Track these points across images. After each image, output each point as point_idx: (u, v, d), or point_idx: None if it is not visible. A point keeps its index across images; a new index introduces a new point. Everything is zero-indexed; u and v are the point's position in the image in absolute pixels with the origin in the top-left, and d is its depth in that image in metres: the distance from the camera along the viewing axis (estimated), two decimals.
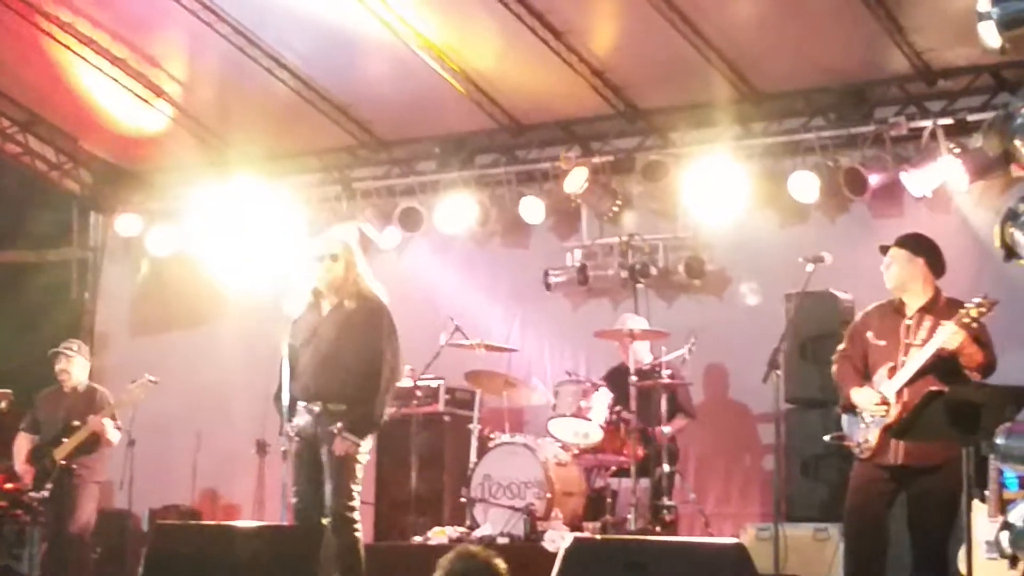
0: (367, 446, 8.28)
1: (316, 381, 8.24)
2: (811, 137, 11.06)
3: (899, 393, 7.69)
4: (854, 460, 8.01)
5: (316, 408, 8.23)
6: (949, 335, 7.53)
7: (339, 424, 8.08)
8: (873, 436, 7.78)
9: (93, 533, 11.07)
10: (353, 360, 8.18)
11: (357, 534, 8.20)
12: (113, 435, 10.92)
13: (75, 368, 11.08)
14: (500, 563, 5.15)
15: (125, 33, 12.08)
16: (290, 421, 8.29)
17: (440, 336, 10.93)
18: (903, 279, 7.92)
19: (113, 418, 10.93)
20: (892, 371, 7.75)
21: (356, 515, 8.20)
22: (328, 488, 8.16)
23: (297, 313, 8.39)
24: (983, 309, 7.49)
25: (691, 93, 11.34)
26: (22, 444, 11.01)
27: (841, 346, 8.18)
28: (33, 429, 11.05)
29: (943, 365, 7.60)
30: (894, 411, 7.67)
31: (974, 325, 7.51)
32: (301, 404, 8.30)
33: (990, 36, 5.13)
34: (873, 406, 7.76)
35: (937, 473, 7.58)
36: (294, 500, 8.35)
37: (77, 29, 11.99)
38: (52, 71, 12.58)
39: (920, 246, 7.98)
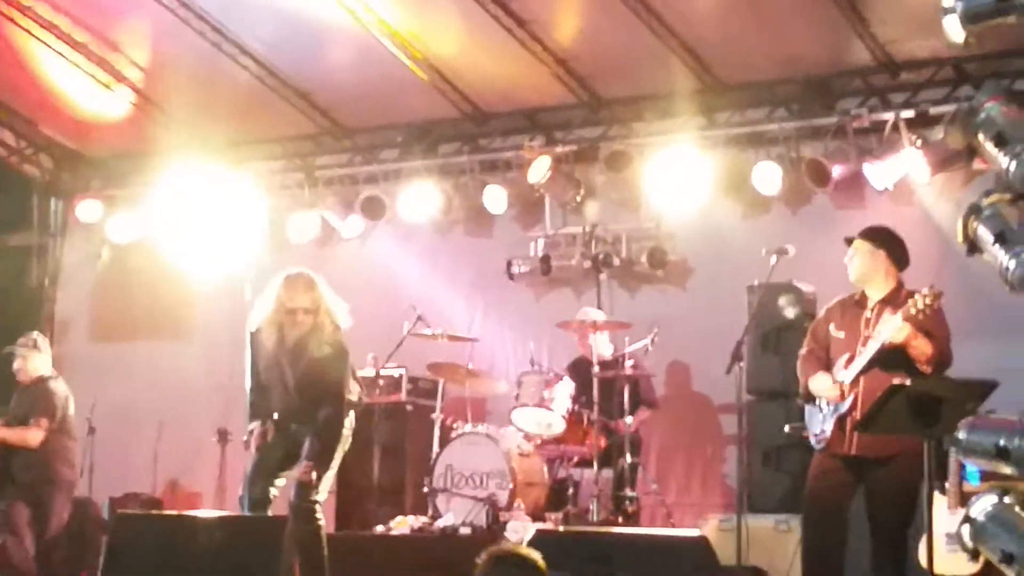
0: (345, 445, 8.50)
1: (289, 413, 8.45)
2: (774, 128, 11.09)
3: (854, 383, 7.70)
4: (814, 452, 8.05)
5: (293, 427, 8.46)
6: (894, 328, 7.55)
7: (305, 460, 8.26)
8: (828, 426, 7.81)
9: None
10: (318, 400, 8.36)
11: (319, 523, 8.26)
12: (28, 438, 10.42)
13: (29, 364, 10.73)
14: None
15: (86, 18, 11.99)
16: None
17: (403, 325, 10.90)
18: (865, 271, 7.94)
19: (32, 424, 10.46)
20: (849, 362, 7.78)
21: (319, 507, 8.28)
22: (294, 476, 8.31)
23: (255, 324, 8.49)
24: (928, 300, 7.49)
25: (655, 83, 11.35)
26: None
27: (805, 343, 8.19)
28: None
29: (894, 357, 7.60)
30: (848, 400, 7.71)
31: (919, 317, 7.51)
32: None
33: (954, 30, 5.14)
34: (827, 391, 7.80)
35: (891, 465, 7.60)
36: (247, 487, 8.40)
37: (38, 13, 11.89)
38: (12, 55, 12.47)
39: (883, 238, 8.00)
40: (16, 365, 10.72)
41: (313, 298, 8.36)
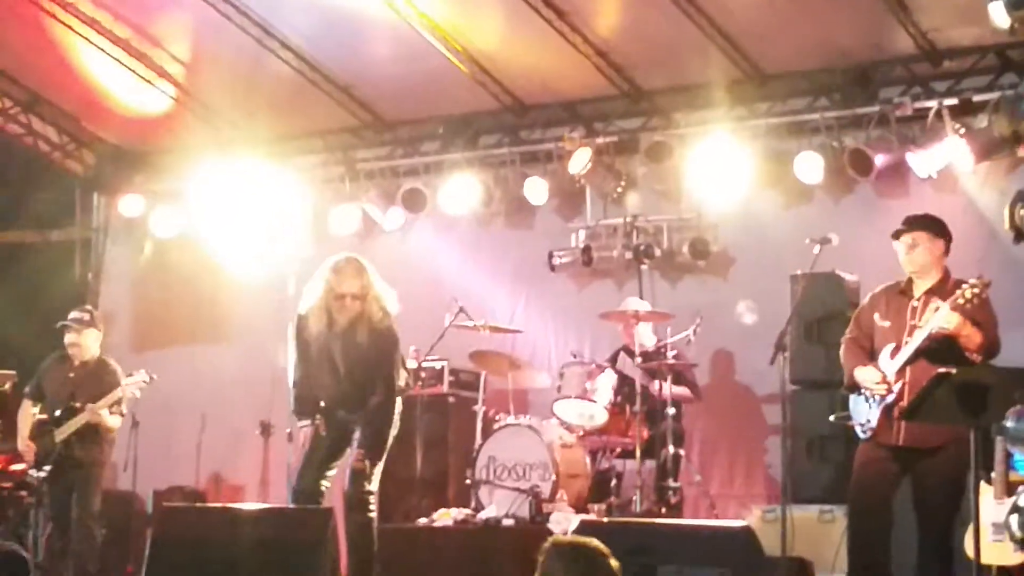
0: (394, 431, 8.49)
1: (337, 399, 8.45)
2: (816, 118, 11.03)
3: (900, 372, 7.68)
4: (859, 441, 8.01)
5: (341, 414, 8.47)
6: (944, 317, 7.52)
7: (359, 450, 8.27)
8: (875, 416, 7.79)
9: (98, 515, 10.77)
10: (368, 386, 8.38)
11: (372, 514, 8.27)
12: (112, 422, 10.45)
13: (87, 340, 10.53)
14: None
15: (127, 13, 12.04)
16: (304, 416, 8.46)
17: (444, 317, 10.91)
18: (926, 262, 7.87)
19: (114, 407, 10.43)
20: (895, 351, 7.75)
21: (373, 497, 8.26)
22: (349, 466, 8.31)
23: (304, 309, 8.47)
24: (976, 290, 7.46)
25: (695, 73, 11.30)
26: (26, 414, 10.54)
27: (849, 330, 8.16)
28: (37, 397, 10.56)
29: (942, 346, 7.58)
30: (895, 389, 7.67)
31: (968, 306, 7.48)
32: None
33: (999, 16, 5.14)
34: (874, 384, 7.76)
35: (938, 455, 7.58)
36: (297, 479, 8.41)
37: (79, 9, 11.94)
38: (55, 52, 12.54)
39: (940, 227, 7.94)
40: (70, 339, 10.52)
41: (362, 284, 8.34)
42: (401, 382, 8.51)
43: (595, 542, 5.00)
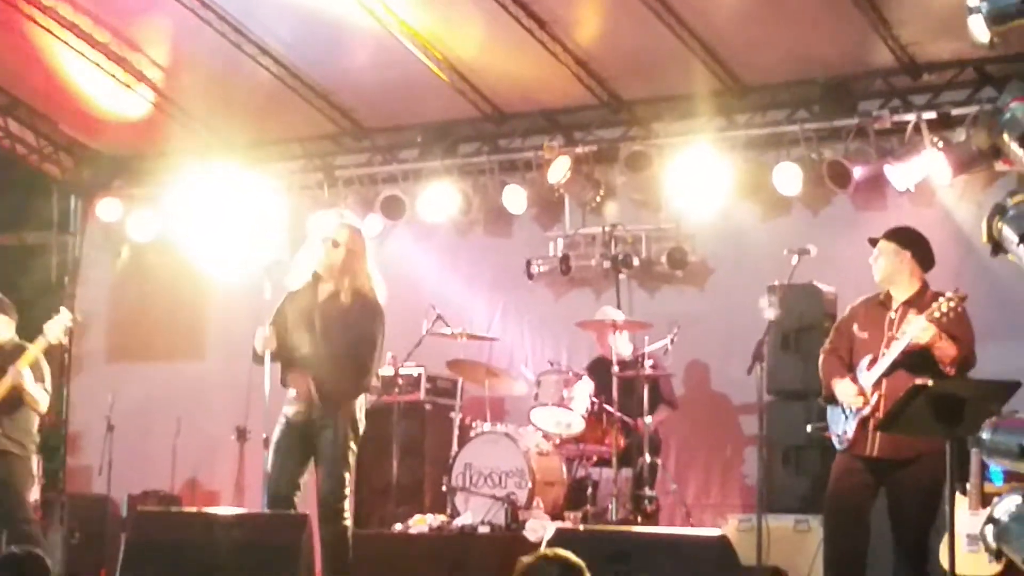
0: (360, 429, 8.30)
1: (309, 367, 8.18)
2: (795, 129, 11.05)
3: (876, 384, 7.72)
4: (835, 452, 8.04)
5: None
6: (919, 330, 7.56)
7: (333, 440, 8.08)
8: (851, 427, 7.81)
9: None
10: (345, 358, 8.12)
11: (346, 523, 8.19)
12: (38, 394, 9.53)
13: None
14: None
15: (107, 17, 12.01)
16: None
17: (422, 324, 10.91)
18: (890, 272, 7.94)
19: (39, 377, 9.57)
20: (872, 363, 7.78)
21: (347, 504, 8.19)
22: (320, 476, 8.15)
23: (295, 286, 8.34)
24: (952, 303, 7.51)
25: (675, 84, 11.33)
26: None
27: (828, 340, 8.19)
28: None
29: (918, 358, 7.62)
30: (872, 402, 7.70)
31: (943, 320, 7.52)
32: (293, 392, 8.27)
33: (979, 30, 5.14)
34: (851, 398, 7.79)
35: (912, 466, 7.62)
36: (270, 483, 8.27)
37: (59, 13, 11.90)
38: (33, 54, 12.50)
39: (908, 239, 8.00)
40: None
41: (349, 235, 8.22)
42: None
43: (572, 557, 4.98)
